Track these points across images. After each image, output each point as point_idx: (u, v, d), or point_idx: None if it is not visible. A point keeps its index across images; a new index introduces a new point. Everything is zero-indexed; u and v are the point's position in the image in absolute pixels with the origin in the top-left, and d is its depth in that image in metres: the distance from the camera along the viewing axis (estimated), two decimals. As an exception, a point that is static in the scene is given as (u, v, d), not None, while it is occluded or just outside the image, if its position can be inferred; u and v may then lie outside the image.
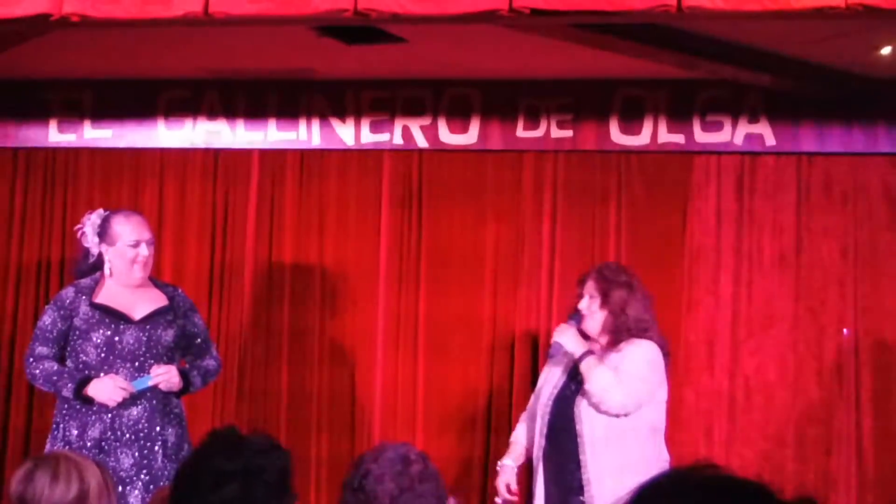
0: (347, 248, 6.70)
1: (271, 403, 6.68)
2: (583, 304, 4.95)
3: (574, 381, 4.93)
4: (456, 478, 6.28)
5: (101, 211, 5.25)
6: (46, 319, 5.15)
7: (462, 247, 6.59)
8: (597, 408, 4.82)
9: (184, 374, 5.11)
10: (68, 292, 5.19)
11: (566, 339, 4.91)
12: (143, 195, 6.84)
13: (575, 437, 4.85)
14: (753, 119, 6.29)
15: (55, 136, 6.92)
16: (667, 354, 4.95)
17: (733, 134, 6.32)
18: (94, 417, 5.01)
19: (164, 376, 5.02)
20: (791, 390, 6.22)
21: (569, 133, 6.46)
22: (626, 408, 4.80)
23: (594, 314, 4.93)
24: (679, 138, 6.37)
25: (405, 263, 6.63)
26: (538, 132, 6.48)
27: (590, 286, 4.96)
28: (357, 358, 6.65)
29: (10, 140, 6.97)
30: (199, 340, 5.26)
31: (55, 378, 5.06)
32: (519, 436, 5.14)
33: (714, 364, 6.30)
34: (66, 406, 5.09)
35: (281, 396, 6.68)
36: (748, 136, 6.30)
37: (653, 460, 4.84)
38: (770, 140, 6.29)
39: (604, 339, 4.94)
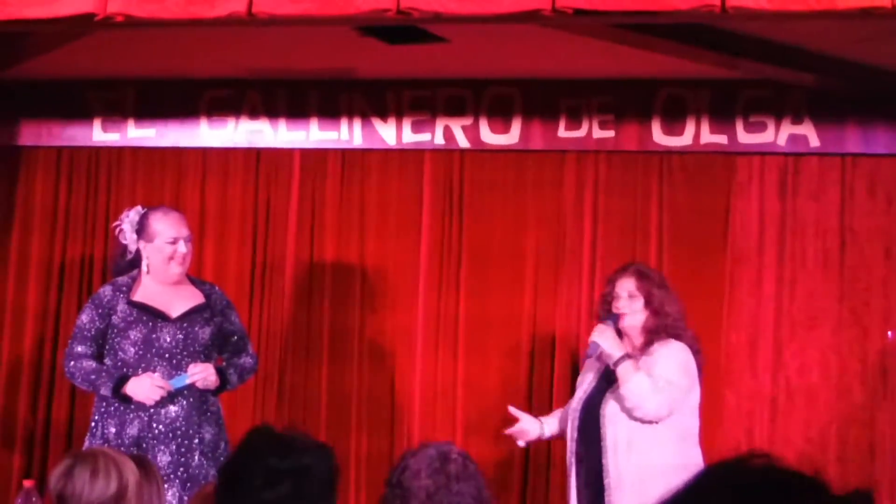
0: (388, 248, 6.70)
1: (311, 403, 6.69)
2: (622, 304, 4.93)
3: (604, 384, 4.92)
4: (495, 478, 6.27)
5: (139, 208, 5.27)
6: (84, 318, 5.18)
7: (503, 247, 6.58)
8: (630, 413, 4.80)
9: (220, 372, 5.12)
10: (106, 290, 5.21)
11: (605, 339, 4.89)
12: (185, 194, 6.87)
13: (600, 441, 4.85)
14: (797, 120, 6.25)
15: (99, 135, 6.97)
16: (697, 352, 4.93)
17: (777, 135, 6.28)
18: (132, 416, 5.03)
19: (201, 374, 5.03)
20: (834, 392, 6.18)
21: (611, 133, 6.44)
22: (660, 415, 4.79)
23: (635, 313, 4.91)
24: (722, 139, 6.34)
25: (445, 263, 6.63)
26: (580, 132, 6.47)
27: (628, 284, 4.94)
28: (397, 357, 6.65)
29: (54, 139, 7.02)
30: (235, 338, 5.26)
31: (93, 377, 5.08)
32: (550, 420, 5.21)
33: (756, 365, 6.26)
34: (104, 404, 5.11)
35: (321, 396, 6.69)
36: (792, 137, 6.26)
37: (681, 466, 4.76)
38: (814, 141, 6.25)
39: (640, 340, 4.92)
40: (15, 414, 6.90)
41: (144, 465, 3.49)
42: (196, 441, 5.04)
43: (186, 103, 6.85)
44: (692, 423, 4.91)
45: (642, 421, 4.79)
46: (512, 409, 5.22)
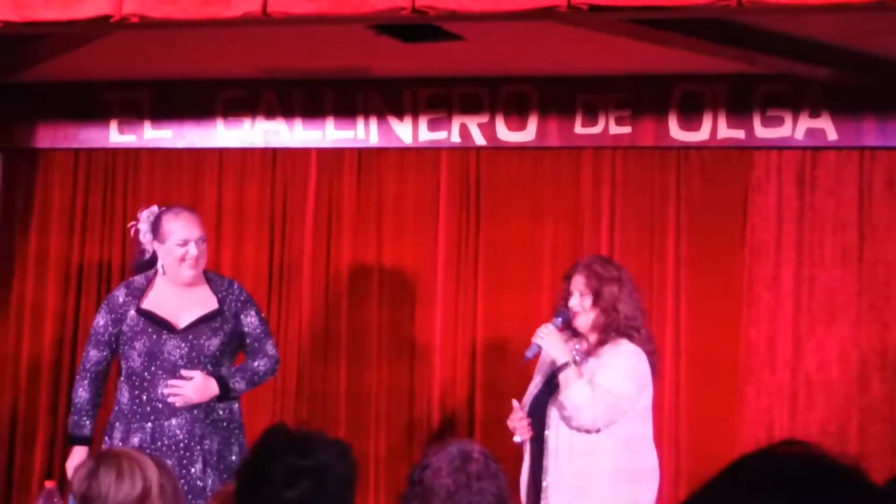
0: (405, 247, 6.70)
1: (330, 402, 6.70)
2: (574, 302, 4.81)
3: (551, 386, 4.82)
4: (512, 477, 6.26)
5: (154, 208, 5.22)
6: (100, 321, 5.17)
7: (520, 245, 6.57)
8: (567, 422, 4.71)
9: (221, 381, 5.04)
10: (120, 293, 5.18)
11: (549, 343, 4.77)
12: (202, 195, 6.88)
13: (542, 442, 4.77)
14: (815, 113, 6.22)
15: (115, 136, 6.98)
16: (651, 353, 4.82)
17: (794, 129, 6.26)
18: (136, 426, 5.03)
19: (182, 390, 4.98)
20: (854, 387, 6.15)
21: (627, 129, 6.42)
22: (597, 424, 4.68)
23: (586, 312, 4.79)
24: (739, 133, 6.32)
25: (463, 261, 6.63)
26: (596, 129, 6.45)
27: (579, 282, 4.81)
28: (415, 356, 6.65)
29: (71, 141, 7.04)
30: (249, 340, 5.15)
31: (74, 412, 5.18)
32: None
33: (775, 361, 6.24)
34: (116, 406, 5.11)
35: (340, 395, 6.69)
36: (809, 131, 6.24)
37: (624, 472, 4.73)
38: (832, 134, 6.23)
39: (593, 338, 4.81)
40: (36, 414, 6.92)
41: (162, 465, 3.50)
42: (198, 452, 4.98)
43: (202, 104, 6.85)
44: (640, 427, 4.79)
45: (580, 431, 4.70)
46: (516, 403, 5.10)
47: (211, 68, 6.62)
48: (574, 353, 4.81)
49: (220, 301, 5.12)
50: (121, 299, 5.15)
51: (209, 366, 5.03)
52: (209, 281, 5.19)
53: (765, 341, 6.26)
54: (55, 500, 3.89)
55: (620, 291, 4.79)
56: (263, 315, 5.28)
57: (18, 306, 7.03)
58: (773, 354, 6.25)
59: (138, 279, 5.20)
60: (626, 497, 4.73)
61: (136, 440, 4.98)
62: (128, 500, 3.17)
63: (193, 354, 5.02)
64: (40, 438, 6.90)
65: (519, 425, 4.83)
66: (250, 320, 5.16)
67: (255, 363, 5.14)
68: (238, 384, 5.09)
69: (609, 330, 4.76)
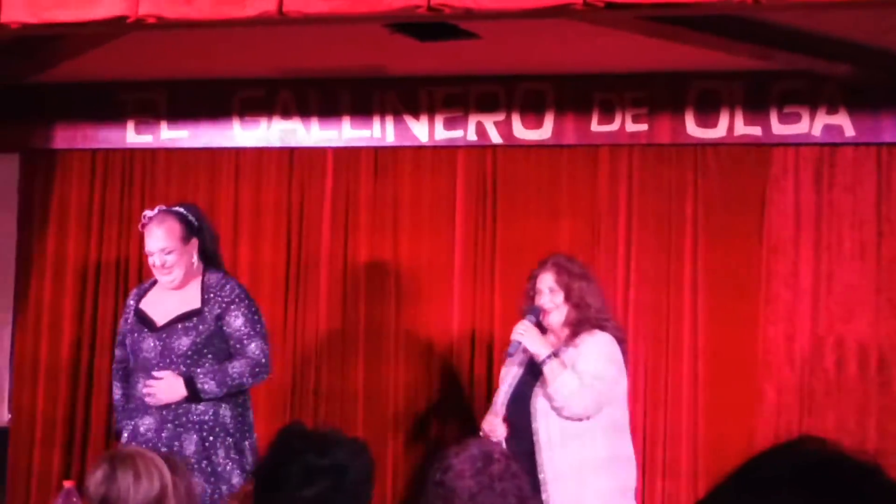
0: (422, 245, 6.70)
1: (348, 401, 6.70)
2: (544, 300, 4.87)
3: (530, 378, 4.85)
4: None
5: (157, 209, 5.23)
6: (120, 322, 5.33)
7: (537, 243, 6.55)
8: (559, 412, 4.75)
9: (189, 381, 4.98)
10: (132, 294, 5.33)
11: (529, 339, 4.82)
12: (219, 194, 6.89)
13: (531, 436, 4.78)
14: (832, 110, 6.20)
15: (132, 137, 7.00)
16: (622, 342, 4.90)
17: (811, 125, 6.23)
18: (124, 423, 5.14)
19: (152, 389, 4.98)
20: (873, 384, 6.13)
21: (644, 127, 6.41)
22: (588, 412, 4.74)
23: (558, 308, 4.86)
24: (756, 130, 6.30)
25: (480, 260, 6.62)
26: (613, 126, 6.44)
27: (547, 280, 4.88)
28: (432, 354, 6.65)
29: (88, 142, 7.05)
30: (232, 341, 5.05)
31: (115, 412, 5.32)
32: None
33: (794, 358, 6.22)
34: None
35: (357, 393, 6.70)
36: (827, 128, 6.22)
37: (612, 458, 4.78)
38: (849, 131, 6.20)
39: (565, 333, 4.87)
40: (54, 414, 6.94)
41: (172, 463, 3.50)
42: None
43: (219, 104, 6.86)
44: (621, 413, 4.86)
45: (571, 419, 4.74)
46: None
47: (227, 68, 6.63)
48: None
49: (204, 301, 5.08)
50: (129, 299, 5.29)
51: (182, 366, 5.00)
52: (204, 280, 5.16)
53: (783, 338, 6.24)
54: (74, 499, 3.90)
55: (589, 286, 4.88)
56: (256, 316, 5.13)
57: (36, 306, 7.05)
58: (791, 351, 6.23)
59: (151, 280, 5.26)
60: (619, 481, 4.81)
61: (123, 439, 5.05)
62: (147, 500, 3.18)
63: (165, 353, 5.03)
64: (59, 438, 6.92)
65: (498, 430, 4.85)
66: (233, 321, 5.07)
67: (230, 364, 5.03)
68: (207, 385, 4.99)
69: (582, 323, 4.84)
